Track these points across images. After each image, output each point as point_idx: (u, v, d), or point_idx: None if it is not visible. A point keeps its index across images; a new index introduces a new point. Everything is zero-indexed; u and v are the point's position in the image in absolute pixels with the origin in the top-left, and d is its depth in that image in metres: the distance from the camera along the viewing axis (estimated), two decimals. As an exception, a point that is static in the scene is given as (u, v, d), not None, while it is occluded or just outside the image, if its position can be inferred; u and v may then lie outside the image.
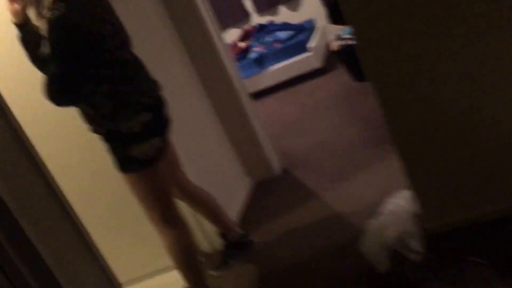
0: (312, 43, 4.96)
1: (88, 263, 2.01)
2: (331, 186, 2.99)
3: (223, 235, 2.66)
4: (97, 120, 1.93)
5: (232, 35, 5.61)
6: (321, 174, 3.17)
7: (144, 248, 2.81)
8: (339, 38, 4.49)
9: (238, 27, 5.73)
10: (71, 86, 1.84)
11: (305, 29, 5.20)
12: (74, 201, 2.03)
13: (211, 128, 3.19)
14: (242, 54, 5.12)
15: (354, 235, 2.43)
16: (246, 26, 5.63)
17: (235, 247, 2.66)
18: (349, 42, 4.19)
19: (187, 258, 2.22)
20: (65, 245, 1.92)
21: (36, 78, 1.94)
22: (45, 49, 1.79)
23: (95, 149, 2.56)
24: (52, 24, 1.74)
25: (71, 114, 2.10)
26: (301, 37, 5.06)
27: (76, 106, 1.95)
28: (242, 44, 5.22)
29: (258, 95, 4.91)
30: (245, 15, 5.82)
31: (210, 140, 3.15)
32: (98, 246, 2.04)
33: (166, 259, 2.37)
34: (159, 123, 2.02)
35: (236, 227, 2.67)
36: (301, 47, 4.97)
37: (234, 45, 5.24)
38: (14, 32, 1.95)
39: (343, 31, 4.42)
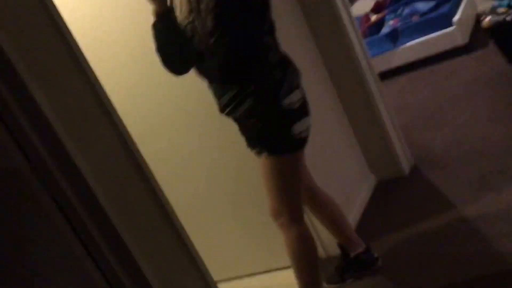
0: (457, 16, 4.32)
1: (186, 267, 1.84)
2: (473, 196, 2.50)
3: (342, 247, 2.32)
4: (257, 96, 1.76)
5: (363, 6, 5.10)
6: (461, 179, 2.68)
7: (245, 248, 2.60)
8: (493, 11, 3.83)
9: (370, -3, 5.21)
10: (245, 58, 1.75)
11: (448, 0, 4.55)
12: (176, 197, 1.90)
13: (331, 113, 2.84)
14: (373, 28, 4.62)
15: (504, 273, 1.95)
16: (380, -4, 5.08)
17: (355, 263, 2.31)
18: (507, 16, 3.54)
19: (309, 259, 2.02)
20: (166, 251, 1.78)
21: (139, 77, 1.75)
22: (204, 27, 1.68)
23: (200, 148, 2.43)
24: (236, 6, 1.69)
25: (173, 113, 1.90)
26: (443, 9, 4.43)
27: (236, 82, 1.79)
28: (374, 17, 4.71)
29: (388, 74, 4.41)
30: (380, -17, 5.26)
31: (330, 127, 2.81)
32: (195, 242, 1.86)
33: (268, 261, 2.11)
34: (308, 101, 1.91)
35: (359, 240, 2.31)
36: (443, 21, 4.35)
37: (365, 18, 4.74)
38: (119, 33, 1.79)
39: (498, 3, 3.75)
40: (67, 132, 1.50)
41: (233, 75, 1.78)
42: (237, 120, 1.87)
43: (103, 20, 2.38)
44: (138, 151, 1.71)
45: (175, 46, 1.77)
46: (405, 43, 4.45)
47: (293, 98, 1.79)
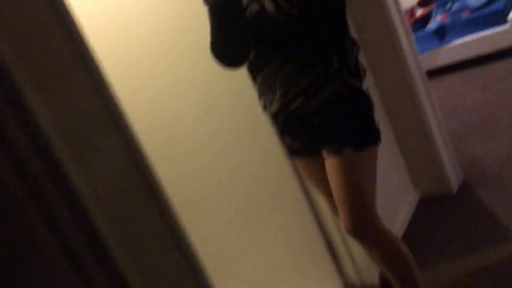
0: (512, 13, 3.91)
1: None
2: (534, 224, 2.14)
3: (385, 281, 1.98)
4: (341, 76, 1.51)
5: (408, -2, 4.72)
6: (519, 201, 2.32)
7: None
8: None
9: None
10: (333, 29, 1.51)
11: (503, -5, 4.13)
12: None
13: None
14: (420, 23, 4.24)
15: None
16: (427, -12, 4.69)
17: None
18: None
19: (413, 267, 1.70)
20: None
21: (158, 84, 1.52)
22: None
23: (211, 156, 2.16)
24: None
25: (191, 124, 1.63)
26: (497, 5, 4.01)
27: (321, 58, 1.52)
28: (420, 11, 4.33)
29: (433, 73, 4.03)
30: (427, -26, 4.87)
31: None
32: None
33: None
34: None
35: None
36: (496, 18, 3.95)
37: (410, 12, 4.36)
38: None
39: None
40: (69, 149, 1.22)
41: (320, 49, 1.51)
42: (305, 116, 1.55)
43: (119, 16, 2.10)
44: (153, 174, 1.41)
45: (237, 25, 1.45)
46: (454, 40, 4.08)
47: (367, 83, 1.58)
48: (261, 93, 1.61)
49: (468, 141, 2.97)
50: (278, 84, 1.53)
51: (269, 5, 1.44)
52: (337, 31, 1.53)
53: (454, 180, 2.60)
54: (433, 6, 4.31)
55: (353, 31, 2.45)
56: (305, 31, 1.46)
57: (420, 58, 2.63)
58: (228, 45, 1.48)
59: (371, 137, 1.57)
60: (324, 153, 1.58)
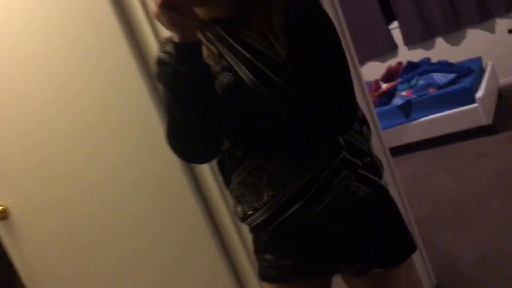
0: (480, 92, 3.74)
1: None
2: None
3: None
4: (351, 168, 1.12)
5: (372, 71, 4.56)
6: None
7: None
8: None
9: (381, 62, 4.68)
10: (338, 103, 1.07)
11: (470, 72, 3.98)
12: None
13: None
14: (383, 97, 4.03)
15: None
16: (392, 62, 4.54)
17: None
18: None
19: None
20: None
21: None
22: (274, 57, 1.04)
23: None
24: (320, 18, 1.07)
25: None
26: (465, 82, 3.85)
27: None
28: (385, 86, 4.13)
29: (397, 151, 3.78)
30: (392, 48, 4.76)
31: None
32: None
33: None
34: None
35: None
36: (464, 96, 3.77)
37: (374, 85, 4.16)
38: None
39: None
40: None
41: (320, 132, 1.09)
42: (305, 226, 1.13)
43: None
44: None
45: (205, 106, 1.03)
46: (419, 117, 3.87)
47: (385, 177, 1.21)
48: (239, 199, 1.17)
49: (439, 234, 2.65)
50: (265, 185, 1.12)
51: (245, 73, 1.05)
52: (342, 107, 1.08)
53: (427, 282, 2.24)
54: (398, 81, 4.12)
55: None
56: (298, 108, 1.04)
57: (384, 135, 2.36)
58: (191, 136, 1.07)
59: (406, 247, 1.19)
60: (339, 275, 1.23)
